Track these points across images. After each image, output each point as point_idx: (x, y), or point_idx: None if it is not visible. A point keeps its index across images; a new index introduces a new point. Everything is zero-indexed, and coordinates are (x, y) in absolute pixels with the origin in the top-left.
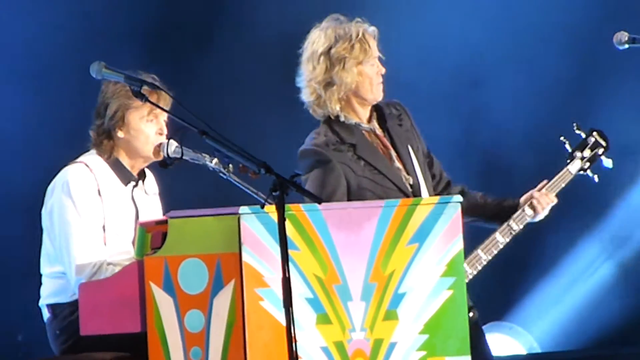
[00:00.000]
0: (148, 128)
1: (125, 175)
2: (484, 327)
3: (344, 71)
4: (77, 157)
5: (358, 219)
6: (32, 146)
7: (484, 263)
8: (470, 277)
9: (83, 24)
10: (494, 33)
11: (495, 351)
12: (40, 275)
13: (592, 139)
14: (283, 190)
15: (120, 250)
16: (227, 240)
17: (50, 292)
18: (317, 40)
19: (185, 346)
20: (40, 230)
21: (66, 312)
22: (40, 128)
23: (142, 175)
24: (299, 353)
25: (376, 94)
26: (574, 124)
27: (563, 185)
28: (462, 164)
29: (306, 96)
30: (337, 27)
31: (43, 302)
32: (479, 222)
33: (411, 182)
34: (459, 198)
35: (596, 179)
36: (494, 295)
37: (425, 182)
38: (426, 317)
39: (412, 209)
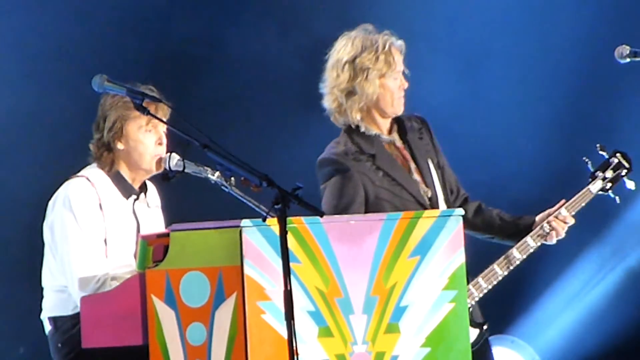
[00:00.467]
0: (147, 138)
1: (126, 189)
2: None
3: (367, 82)
4: (78, 171)
5: (360, 232)
6: (33, 158)
7: (499, 278)
8: (485, 291)
9: (84, 35)
10: (494, 44)
11: None
12: (42, 288)
13: (615, 160)
14: (285, 203)
15: (121, 263)
16: (229, 253)
17: (52, 305)
18: (343, 48)
19: (187, 359)
20: (42, 243)
21: (68, 325)
22: (41, 140)
23: (143, 188)
24: None
25: (396, 108)
26: (597, 145)
27: (583, 204)
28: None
29: (328, 103)
30: (365, 37)
31: (45, 315)
32: (495, 239)
33: (429, 195)
34: (461, 211)
35: (618, 200)
36: (496, 308)
37: (444, 196)
38: (428, 330)
39: (413, 222)
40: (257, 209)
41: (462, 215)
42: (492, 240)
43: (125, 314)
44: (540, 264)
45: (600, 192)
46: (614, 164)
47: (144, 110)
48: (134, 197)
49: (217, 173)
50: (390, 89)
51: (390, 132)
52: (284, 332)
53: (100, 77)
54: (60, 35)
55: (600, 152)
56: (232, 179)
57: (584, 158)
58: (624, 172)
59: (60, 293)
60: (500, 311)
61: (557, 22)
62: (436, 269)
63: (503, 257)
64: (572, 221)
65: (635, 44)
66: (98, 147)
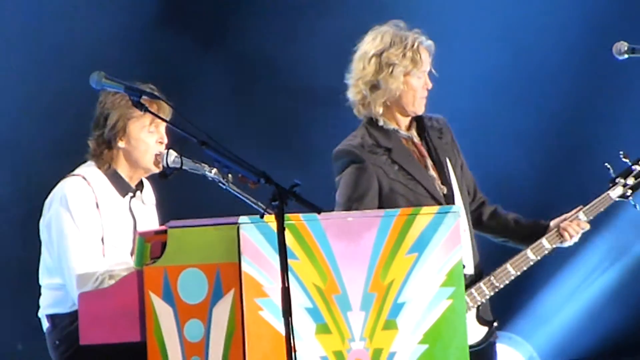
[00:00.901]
0: (149, 138)
1: (122, 187)
2: None
3: (391, 77)
4: (74, 169)
5: (357, 229)
6: (29, 157)
7: (512, 278)
8: (497, 290)
9: (81, 33)
10: (492, 42)
11: None
12: (40, 286)
13: (638, 168)
14: (282, 200)
15: (118, 261)
16: (227, 250)
17: (49, 303)
18: (372, 41)
19: (185, 356)
20: (39, 241)
21: (66, 322)
22: (37, 138)
23: (140, 185)
24: None
25: (417, 107)
26: (620, 152)
27: (602, 209)
28: None
29: (352, 95)
30: (395, 32)
31: (42, 313)
32: (509, 242)
33: (445, 192)
34: (458, 208)
35: (638, 207)
36: (494, 305)
37: (461, 195)
38: (426, 327)
39: (411, 218)
40: (254, 205)
41: (479, 219)
42: (507, 243)
43: (123, 311)
44: (538, 262)
45: (620, 199)
46: (636, 171)
47: (142, 107)
48: (131, 194)
49: (215, 170)
50: (413, 87)
51: (408, 129)
52: (281, 329)
53: (98, 74)
54: (57, 31)
55: (624, 160)
56: (230, 175)
57: (606, 164)
58: None
59: (57, 291)
60: (498, 308)
61: (555, 19)
62: (434, 265)
63: (517, 256)
64: (587, 227)
65: (633, 40)
66: (98, 145)
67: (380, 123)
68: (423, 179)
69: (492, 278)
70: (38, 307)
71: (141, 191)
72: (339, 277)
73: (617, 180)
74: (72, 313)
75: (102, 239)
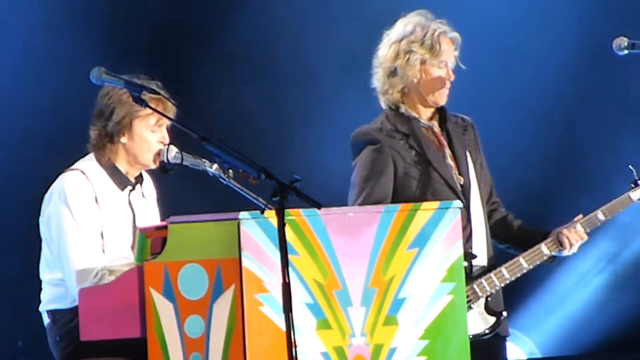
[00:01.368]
0: (152, 136)
1: (121, 181)
2: None
3: (407, 64)
4: (72, 164)
5: (358, 224)
6: (28, 151)
7: (524, 271)
8: (507, 282)
9: (83, 31)
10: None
11: None
12: (40, 281)
13: None
14: (283, 196)
15: (118, 256)
16: (227, 246)
17: (50, 298)
18: (396, 28)
19: (185, 351)
20: (39, 236)
21: (66, 318)
22: (36, 132)
23: (139, 178)
24: (299, 358)
25: (437, 98)
26: None
27: (620, 209)
28: None
29: (375, 81)
30: (419, 21)
31: (43, 308)
32: (511, 249)
33: (462, 182)
34: (459, 204)
35: None
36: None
37: (479, 189)
38: (426, 323)
39: (412, 214)
40: (255, 201)
41: (489, 221)
42: (509, 250)
43: (123, 307)
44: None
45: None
46: None
47: (142, 102)
48: (130, 188)
49: (215, 165)
50: (432, 76)
51: (431, 119)
52: (282, 325)
53: (99, 69)
54: (58, 25)
55: None
56: (230, 171)
57: (630, 166)
58: None
59: (57, 286)
60: None
61: (555, 15)
62: (434, 261)
63: (531, 250)
64: (585, 238)
65: (633, 36)
66: (100, 136)
67: (402, 110)
68: (440, 167)
69: (503, 269)
70: (39, 302)
71: (141, 184)
72: (340, 273)
73: (639, 183)
74: (72, 309)
75: (102, 234)
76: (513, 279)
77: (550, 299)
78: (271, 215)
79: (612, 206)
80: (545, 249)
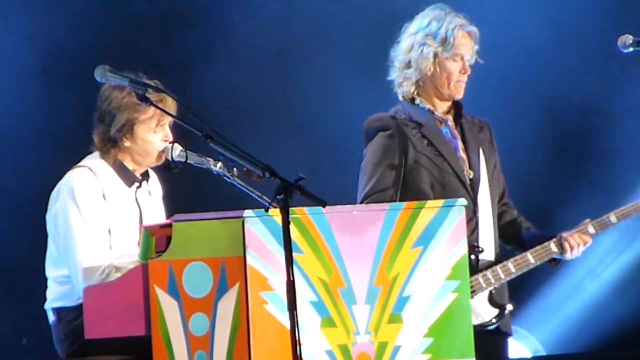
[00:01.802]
0: (155, 137)
1: (128, 177)
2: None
3: (421, 56)
4: (79, 161)
5: (362, 222)
6: (35, 148)
7: (530, 267)
8: (513, 276)
9: (85, 32)
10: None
11: None
12: (46, 279)
13: None
14: (287, 194)
15: (125, 252)
16: (232, 244)
17: (55, 296)
18: (414, 21)
19: (190, 350)
20: (45, 233)
21: (71, 316)
22: (43, 129)
23: (145, 175)
24: (304, 356)
25: (453, 91)
26: None
27: (634, 214)
28: None
29: (392, 74)
30: (436, 14)
31: (48, 306)
32: (519, 251)
33: (471, 176)
34: (463, 202)
35: None
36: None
37: (489, 185)
38: (431, 320)
39: (416, 212)
40: (259, 199)
41: (499, 222)
42: (515, 252)
43: (128, 305)
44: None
45: None
46: None
47: (147, 101)
48: (137, 185)
49: (220, 164)
50: (447, 69)
51: (446, 114)
52: (286, 323)
53: (103, 67)
54: (63, 29)
55: None
56: (235, 169)
57: None
58: None
59: (63, 284)
60: None
61: (559, 12)
62: (439, 259)
63: (540, 247)
64: (589, 241)
65: (639, 33)
66: (104, 141)
67: (417, 101)
68: (451, 158)
69: (509, 263)
70: (44, 300)
71: (147, 182)
72: (344, 271)
73: None
74: (77, 307)
75: (109, 230)
76: (519, 273)
77: (554, 297)
78: (276, 214)
79: (626, 210)
80: (554, 247)
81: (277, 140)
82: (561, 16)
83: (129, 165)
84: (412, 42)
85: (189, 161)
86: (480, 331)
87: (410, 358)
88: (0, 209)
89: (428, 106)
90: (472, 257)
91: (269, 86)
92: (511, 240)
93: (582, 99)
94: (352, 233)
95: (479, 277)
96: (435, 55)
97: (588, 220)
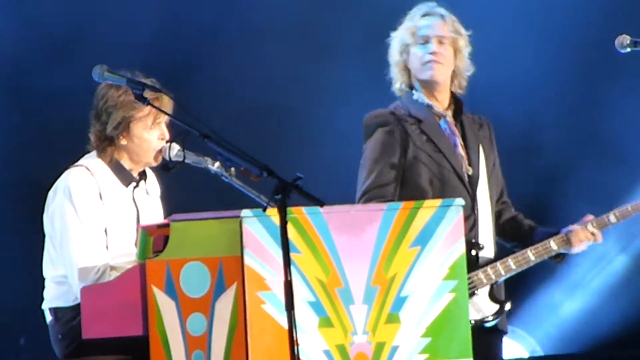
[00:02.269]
0: (151, 135)
1: (125, 177)
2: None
3: (395, 50)
4: (77, 160)
5: (360, 222)
6: (32, 147)
7: (530, 264)
8: (513, 273)
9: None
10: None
11: None
12: (44, 278)
13: None
14: (285, 194)
15: (122, 252)
16: (229, 244)
17: (53, 296)
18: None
19: (187, 350)
20: (42, 233)
21: (68, 316)
22: (41, 128)
23: (143, 175)
24: (301, 356)
25: (423, 75)
26: None
27: (632, 214)
28: None
29: (390, 72)
30: (414, 10)
31: (46, 306)
32: (520, 248)
33: (470, 173)
34: (461, 201)
35: None
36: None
37: (488, 182)
38: (428, 320)
39: (414, 212)
40: (257, 199)
41: (496, 221)
42: (516, 249)
43: (125, 305)
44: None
45: None
46: None
47: (144, 101)
48: (134, 184)
49: (217, 163)
50: (416, 55)
51: (445, 110)
52: (284, 323)
53: (101, 67)
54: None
55: None
56: (232, 169)
57: None
58: None
59: (60, 284)
60: None
61: (556, 13)
62: (437, 259)
63: (540, 244)
64: (600, 239)
65: (636, 34)
66: (100, 140)
67: (415, 97)
68: (450, 155)
69: (509, 260)
70: (41, 300)
71: (145, 181)
72: (342, 271)
73: None
74: (75, 307)
75: (106, 230)
76: (519, 270)
77: (552, 297)
78: (273, 213)
79: (626, 210)
80: (553, 244)
81: (274, 140)
82: (562, 16)
83: (126, 164)
84: (395, 38)
85: (186, 161)
86: (478, 327)
87: (408, 358)
88: None
89: (427, 101)
90: (473, 253)
91: (267, 86)
92: (512, 237)
93: (582, 99)
94: (350, 233)
95: (480, 273)
96: (406, 45)
97: (592, 217)
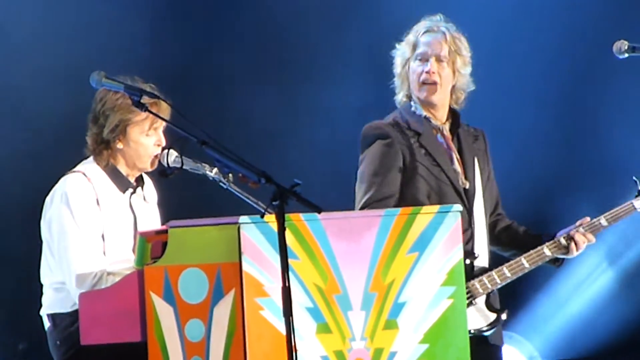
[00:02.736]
0: (147, 140)
1: (122, 183)
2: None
3: (398, 64)
4: (74, 166)
5: (358, 228)
6: (30, 153)
7: (525, 271)
8: (508, 281)
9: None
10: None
11: None
12: (42, 284)
13: None
14: (283, 200)
15: (120, 258)
16: (227, 250)
17: (51, 302)
18: None
19: (186, 356)
20: (40, 240)
21: (67, 322)
22: (38, 134)
23: (140, 181)
24: None
25: (421, 94)
26: None
27: (622, 216)
28: None
29: (394, 82)
30: (419, 24)
31: (44, 312)
32: (517, 256)
33: (467, 187)
34: (459, 207)
35: None
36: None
37: (483, 195)
38: (426, 327)
39: (412, 218)
40: (255, 205)
41: (491, 231)
42: (514, 257)
43: (123, 311)
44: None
45: None
46: None
47: (142, 107)
48: (131, 190)
49: (215, 169)
50: (413, 71)
51: (443, 123)
52: (282, 329)
53: (98, 73)
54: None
55: None
56: (230, 175)
57: (634, 178)
58: None
59: (58, 290)
60: None
61: (554, 17)
62: (435, 265)
63: (533, 251)
64: (593, 240)
65: (633, 39)
66: (97, 143)
67: (413, 109)
68: (448, 169)
69: (504, 268)
70: (40, 305)
71: (142, 187)
72: (340, 277)
73: None
74: (73, 313)
75: (103, 236)
76: (514, 278)
77: (550, 303)
78: (271, 220)
79: (616, 213)
80: (547, 250)
81: (273, 147)
82: (561, 17)
83: (122, 169)
84: (398, 50)
85: (184, 167)
86: (477, 337)
87: None
88: None
89: (424, 113)
90: (467, 261)
91: (265, 93)
92: (509, 245)
93: (582, 101)
94: (348, 239)
95: (476, 282)
96: (407, 60)
97: (587, 219)
